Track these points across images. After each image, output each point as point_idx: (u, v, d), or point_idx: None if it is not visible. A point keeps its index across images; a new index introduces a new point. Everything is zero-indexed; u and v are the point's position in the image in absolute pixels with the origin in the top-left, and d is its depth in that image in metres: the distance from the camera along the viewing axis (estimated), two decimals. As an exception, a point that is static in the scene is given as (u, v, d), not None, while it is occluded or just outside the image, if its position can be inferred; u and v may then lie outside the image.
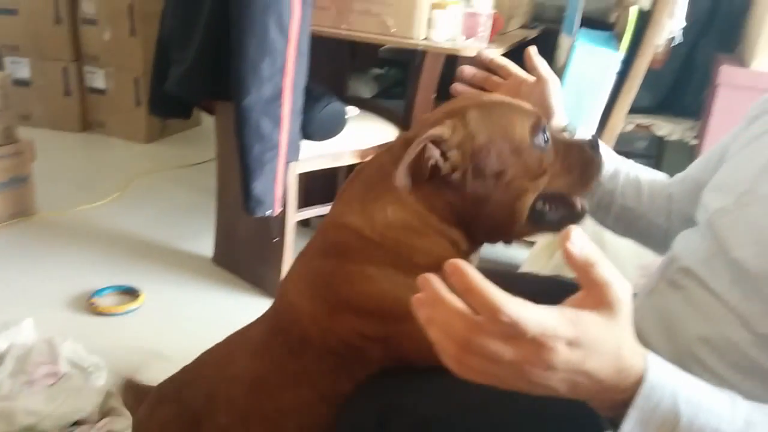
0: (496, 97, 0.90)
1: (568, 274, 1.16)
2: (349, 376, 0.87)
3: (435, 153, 0.81)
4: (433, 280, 0.54)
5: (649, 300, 0.93)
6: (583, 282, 0.54)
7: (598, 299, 0.54)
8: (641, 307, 0.93)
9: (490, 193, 0.83)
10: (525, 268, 1.75)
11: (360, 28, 2.03)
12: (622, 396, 0.57)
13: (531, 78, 1.05)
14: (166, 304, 2.04)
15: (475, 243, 0.89)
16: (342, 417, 0.85)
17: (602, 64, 1.85)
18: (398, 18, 1.96)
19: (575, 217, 0.89)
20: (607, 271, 0.54)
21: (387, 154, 0.88)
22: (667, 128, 2.62)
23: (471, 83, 1.10)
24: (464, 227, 0.86)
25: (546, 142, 0.85)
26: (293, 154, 1.85)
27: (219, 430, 0.95)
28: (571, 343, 0.52)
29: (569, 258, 0.53)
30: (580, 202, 0.89)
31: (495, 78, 1.09)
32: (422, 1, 1.92)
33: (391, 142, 0.92)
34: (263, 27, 1.63)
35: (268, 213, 1.83)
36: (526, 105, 0.88)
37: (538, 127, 0.84)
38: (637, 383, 0.56)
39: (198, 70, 1.80)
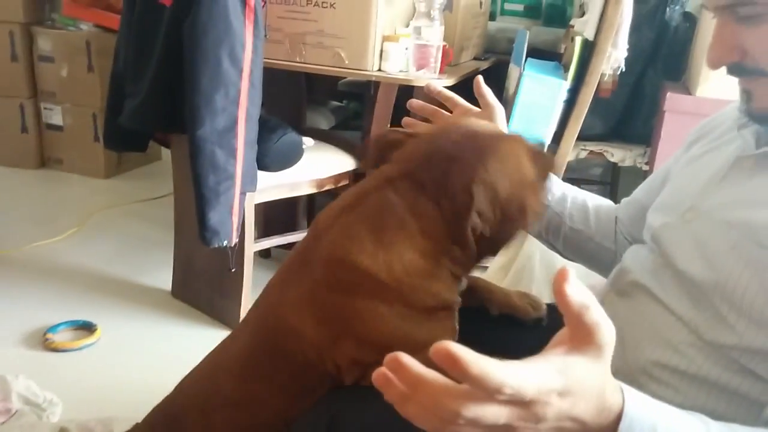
0: (490, 130, 0.91)
1: (523, 289, 1.19)
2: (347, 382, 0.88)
3: (478, 222, 0.84)
4: (407, 360, 0.51)
5: None
6: (572, 322, 0.54)
7: (587, 341, 0.54)
8: None
9: (511, 230, 0.87)
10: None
11: (314, 61, 2.06)
12: None
13: (476, 109, 1.09)
14: (124, 339, 2.02)
15: (474, 266, 0.93)
16: (294, 426, 0.86)
17: (550, 92, 1.91)
18: (351, 50, 2.00)
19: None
20: (598, 313, 0.54)
21: (392, 192, 0.86)
22: (619, 155, 2.69)
23: (421, 114, 1.14)
24: (474, 260, 0.89)
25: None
26: (249, 184, 1.87)
27: None
28: (562, 393, 0.53)
29: (563, 298, 0.53)
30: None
31: (442, 111, 1.13)
32: (374, 34, 1.97)
33: (382, 169, 0.91)
34: (216, 59, 1.65)
35: (224, 243, 1.83)
36: (512, 133, 0.93)
37: (539, 160, 0.90)
38: (618, 420, 0.57)
39: (152, 103, 1.81)
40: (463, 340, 0.92)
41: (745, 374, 0.77)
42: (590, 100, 1.96)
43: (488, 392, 0.49)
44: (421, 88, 1.91)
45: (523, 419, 0.52)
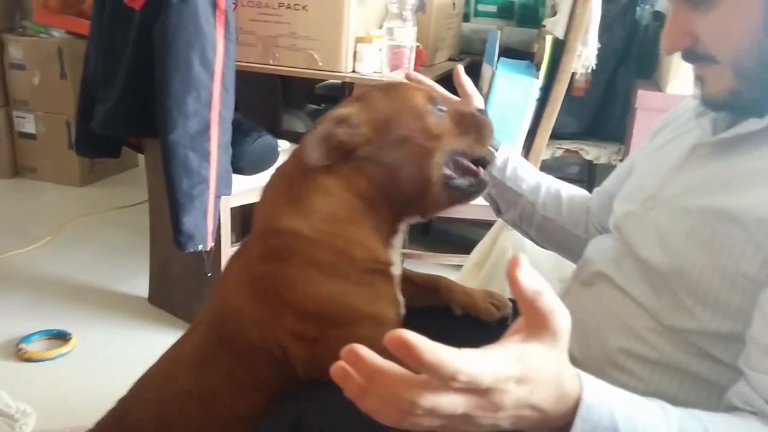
0: (394, 81, 1.00)
1: (494, 288, 1.20)
2: (300, 372, 0.88)
3: (340, 130, 0.87)
4: (363, 352, 0.51)
5: (564, 302, 0.97)
6: (526, 309, 0.55)
7: (542, 327, 0.55)
8: None
9: (402, 158, 0.89)
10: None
11: (288, 63, 2.06)
12: (562, 422, 0.58)
13: (455, 97, 1.12)
14: (100, 347, 2.00)
15: (399, 220, 0.94)
16: (260, 427, 0.86)
17: (522, 91, 1.92)
18: (325, 52, 2.00)
19: (480, 185, 0.96)
20: (552, 299, 0.55)
21: (300, 151, 0.91)
22: (594, 152, 2.71)
23: None
24: (387, 204, 0.91)
25: (441, 111, 0.93)
26: (224, 188, 1.86)
27: None
28: (519, 381, 0.53)
29: (516, 285, 0.53)
30: (482, 172, 0.97)
31: None
32: (347, 36, 1.97)
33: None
34: (187, 62, 1.64)
35: (200, 248, 1.82)
36: (420, 85, 1.00)
37: (431, 99, 0.93)
38: (575, 406, 0.57)
39: (123, 108, 1.80)
40: (428, 338, 0.92)
41: (704, 358, 0.79)
42: (562, 98, 1.98)
43: (444, 380, 0.49)
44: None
45: (481, 408, 0.52)
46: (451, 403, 0.50)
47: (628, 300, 0.86)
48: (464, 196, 0.95)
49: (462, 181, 0.94)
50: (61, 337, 2.01)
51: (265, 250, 0.90)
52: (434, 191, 0.91)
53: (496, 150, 1.14)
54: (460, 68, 1.14)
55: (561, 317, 0.55)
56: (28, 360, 1.89)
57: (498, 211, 1.20)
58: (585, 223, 1.16)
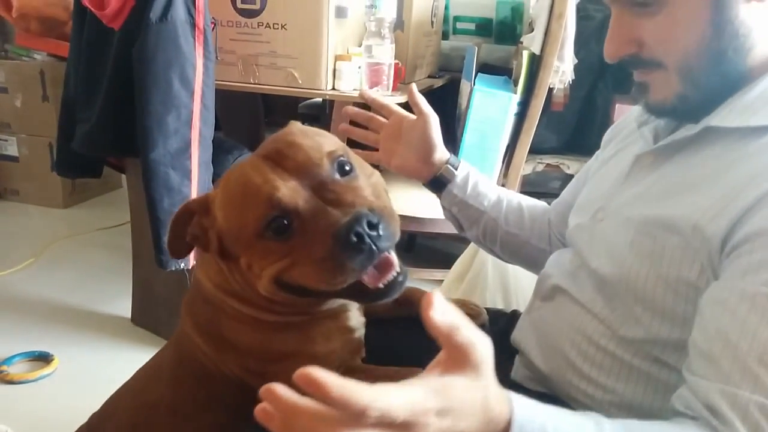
0: (247, 177, 0.79)
1: (477, 300, 1.20)
2: (257, 399, 0.89)
3: (193, 229, 0.84)
4: (280, 391, 0.52)
5: (528, 318, 0.99)
6: (446, 345, 0.55)
7: (463, 361, 0.55)
8: (522, 326, 0.99)
9: (238, 270, 0.83)
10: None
11: (268, 82, 2.07)
12: None
13: (411, 116, 1.10)
14: (83, 368, 1.98)
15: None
16: None
17: (500, 106, 1.95)
18: (304, 70, 2.02)
19: (366, 296, 0.79)
20: (469, 332, 0.54)
21: None
22: (575, 166, 2.74)
23: (355, 122, 1.15)
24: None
25: (283, 230, 0.75)
26: (205, 206, 1.86)
27: None
28: (441, 413, 0.53)
29: (431, 324, 0.53)
30: (372, 282, 0.77)
31: (378, 117, 1.14)
32: (326, 54, 1.99)
33: None
34: (167, 81, 1.65)
35: (181, 266, 1.82)
36: (267, 187, 0.76)
37: (264, 219, 0.75)
38: (507, 428, 0.58)
39: (103, 127, 1.81)
40: (403, 352, 0.94)
41: (662, 365, 0.80)
42: (540, 112, 2.01)
43: (355, 415, 0.49)
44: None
45: None
46: None
47: (584, 312, 0.87)
48: (345, 296, 0.85)
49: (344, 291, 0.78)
50: (44, 358, 1.99)
51: (198, 291, 0.92)
52: (294, 299, 0.83)
53: (456, 167, 1.11)
54: (413, 87, 1.09)
55: (481, 348, 0.55)
56: (10, 382, 1.88)
57: (460, 228, 1.18)
58: (548, 236, 1.16)
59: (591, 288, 0.87)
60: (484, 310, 1.08)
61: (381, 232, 0.73)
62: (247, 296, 0.85)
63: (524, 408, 0.60)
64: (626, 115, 1.02)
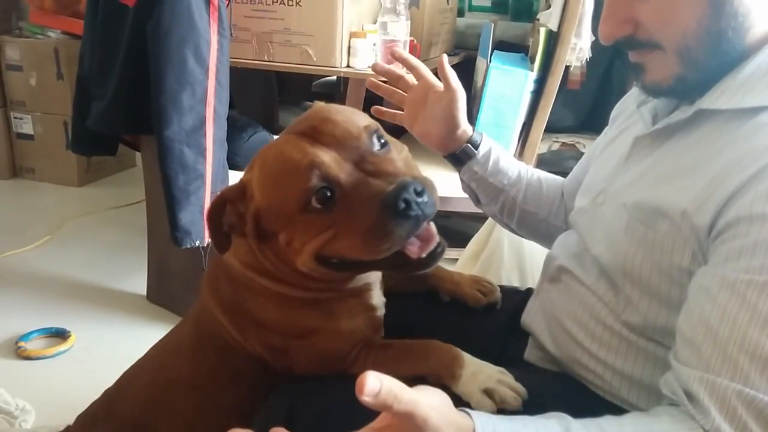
0: (284, 152, 0.79)
1: (492, 278, 1.20)
2: (282, 374, 0.90)
3: (229, 218, 0.84)
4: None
5: (536, 300, 0.98)
6: (389, 414, 0.56)
7: (407, 427, 0.57)
8: (531, 309, 0.98)
9: (275, 250, 0.83)
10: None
11: (282, 60, 2.06)
12: None
13: (440, 85, 1.07)
14: (99, 345, 2.00)
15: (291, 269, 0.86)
16: (257, 416, 0.87)
17: (516, 83, 1.93)
18: (319, 48, 2.00)
19: (409, 266, 0.79)
20: (407, 398, 0.55)
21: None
22: (591, 145, 2.72)
23: (386, 78, 1.14)
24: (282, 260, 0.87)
25: (326, 201, 0.75)
26: (220, 183, 1.86)
27: None
28: None
29: (368, 404, 0.53)
30: (415, 251, 0.78)
31: (408, 78, 1.12)
32: (341, 31, 1.97)
33: None
34: (181, 58, 1.65)
35: (197, 243, 1.83)
36: (308, 159, 0.76)
37: (309, 191, 0.75)
38: None
39: (118, 105, 1.80)
40: (417, 325, 0.94)
41: (666, 347, 0.79)
42: (557, 90, 1.99)
43: None
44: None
45: None
46: None
47: (590, 293, 0.86)
48: (404, 273, 0.90)
49: (384, 264, 0.80)
50: (60, 335, 2.01)
51: (224, 269, 0.92)
52: (330, 276, 0.84)
53: (477, 144, 1.09)
54: (445, 58, 1.07)
55: (421, 410, 0.56)
56: (28, 358, 1.90)
57: (477, 202, 1.17)
58: (564, 213, 1.15)
59: (595, 272, 0.86)
60: (498, 288, 1.07)
61: (426, 200, 0.73)
62: (279, 274, 0.85)
63: (486, 427, 0.62)
64: (632, 91, 1.00)
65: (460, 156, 1.09)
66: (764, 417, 0.62)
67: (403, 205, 0.72)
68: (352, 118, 0.81)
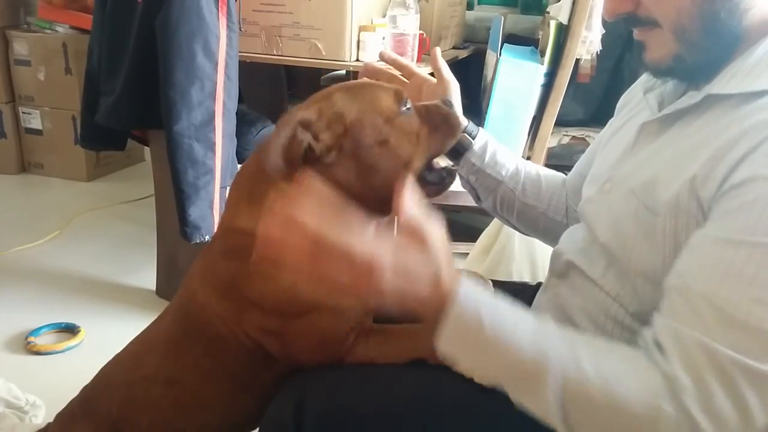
0: (358, 81, 0.94)
1: (501, 275, 1.19)
2: (266, 368, 0.89)
3: (305, 136, 0.82)
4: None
5: (545, 296, 0.97)
6: (401, 224, 0.66)
7: (418, 240, 0.67)
8: (540, 304, 0.98)
9: (379, 162, 0.85)
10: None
11: (291, 54, 2.06)
12: (439, 310, 0.68)
13: (432, 79, 1.09)
14: (108, 340, 1.99)
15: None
16: (267, 411, 0.87)
17: (527, 76, 1.91)
18: (328, 41, 1.99)
19: (450, 175, 0.96)
20: (424, 217, 0.68)
21: (263, 151, 0.88)
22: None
23: (393, 66, 1.14)
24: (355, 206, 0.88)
25: (409, 110, 0.89)
26: (229, 178, 1.86)
27: None
28: (397, 272, 0.65)
29: (400, 215, 0.64)
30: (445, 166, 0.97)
31: (399, 77, 1.12)
32: (350, 25, 1.96)
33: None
34: (190, 53, 1.64)
35: (206, 238, 1.82)
36: (385, 83, 0.94)
37: (400, 98, 0.89)
38: (449, 300, 0.67)
39: (127, 100, 1.80)
40: (404, 320, 0.94)
41: None
42: (567, 83, 1.97)
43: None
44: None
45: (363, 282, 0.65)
46: (335, 270, 0.65)
47: (597, 290, 0.86)
48: (439, 190, 0.94)
49: (434, 176, 0.94)
50: (70, 330, 2.01)
51: (225, 248, 0.91)
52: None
53: (474, 136, 1.09)
54: (438, 51, 1.10)
55: (434, 231, 0.68)
56: (37, 353, 1.90)
57: (477, 199, 1.17)
58: (565, 208, 1.14)
59: (602, 264, 0.86)
60: (490, 282, 1.06)
61: None
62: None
63: (468, 289, 0.69)
64: (638, 81, 1.00)
65: (456, 147, 1.09)
66: (720, 368, 0.62)
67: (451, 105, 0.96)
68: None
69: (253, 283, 0.87)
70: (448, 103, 0.95)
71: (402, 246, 0.66)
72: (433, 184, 0.93)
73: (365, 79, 0.96)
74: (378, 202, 0.87)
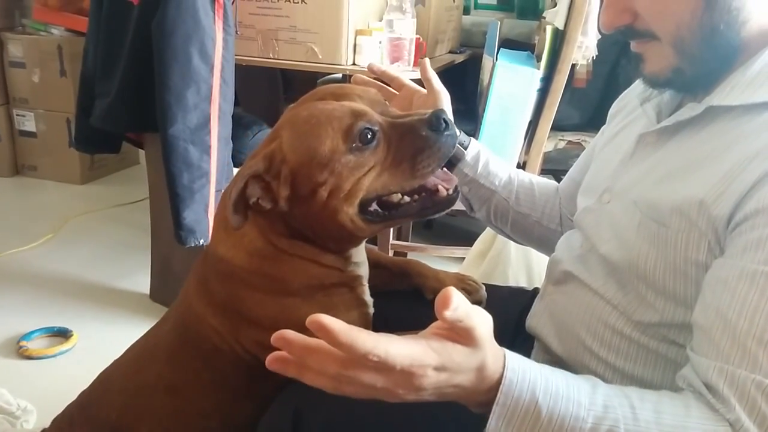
0: (314, 107, 0.84)
1: (497, 278, 1.19)
2: (266, 378, 0.88)
3: (254, 191, 0.82)
4: (291, 336, 0.58)
5: (542, 303, 0.97)
6: (451, 327, 0.60)
7: (465, 339, 0.61)
8: (536, 312, 0.97)
9: (312, 211, 0.83)
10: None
11: (288, 57, 2.05)
12: (485, 397, 0.63)
13: (422, 90, 1.08)
14: (101, 344, 1.99)
15: (339, 252, 0.90)
16: (262, 418, 0.86)
17: (523, 81, 1.91)
18: (324, 45, 1.99)
19: (440, 204, 0.87)
20: (471, 316, 0.60)
21: (225, 195, 0.88)
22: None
23: (382, 78, 1.13)
24: (317, 241, 0.88)
25: (369, 140, 0.81)
26: (225, 182, 1.85)
27: None
28: (438, 369, 0.60)
29: (442, 318, 0.57)
30: (444, 188, 0.87)
31: (389, 89, 1.11)
32: (347, 29, 1.96)
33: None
34: (186, 56, 1.63)
35: (201, 242, 1.81)
36: (345, 106, 0.83)
37: (351, 130, 0.80)
38: (499, 383, 0.63)
39: (122, 102, 1.79)
40: (399, 325, 0.93)
41: (680, 347, 0.78)
42: (563, 88, 1.97)
43: (358, 358, 0.56)
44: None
45: (400, 386, 0.59)
46: (369, 377, 0.58)
47: (597, 297, 0.85)
48: (415, 217, 0.90)
49: (410, 209, 0.87)
50: (62, 334, 2.00)
51: (215, 271, 0.91)
52: (360, 231, 0.86)
53: (466, 146, 1.08)
54: (427, 62, 1.08)
55: (481, 329, 0.61)
56: (29, 358, 1.89)
57: (471, 209, 1.16)
58: (559, 216, 1.13)
59: (602, 273, 0.85)
60: (483, 286, 1.06)
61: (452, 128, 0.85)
62: (310, 238, 0.87)
63: (516, 366, 0.64)
64: (631, 87, 1.00)
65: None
66: None
67: (444, 124, 0.82)
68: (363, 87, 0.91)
69: (248, 306, 0.88)
70: (435, 123, 0.83)
71: (447, 345, 0.60)
72: (378, 222, 0.86)
73: (320, 107, 0.83)
74: (337, 241, 0.88)
